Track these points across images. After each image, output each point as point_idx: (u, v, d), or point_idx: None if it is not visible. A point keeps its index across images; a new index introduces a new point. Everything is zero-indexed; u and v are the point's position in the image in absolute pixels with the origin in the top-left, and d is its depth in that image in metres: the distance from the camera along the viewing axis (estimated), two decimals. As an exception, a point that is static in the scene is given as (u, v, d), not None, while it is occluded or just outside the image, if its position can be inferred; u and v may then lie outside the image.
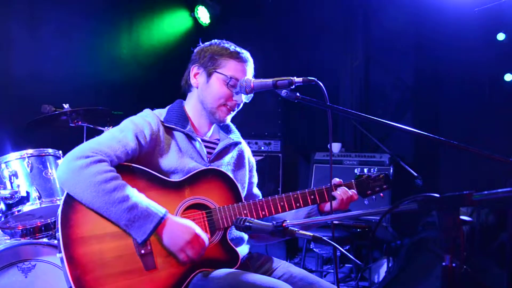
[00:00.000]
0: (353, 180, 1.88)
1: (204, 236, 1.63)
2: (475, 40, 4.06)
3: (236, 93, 1.82)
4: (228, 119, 1.90)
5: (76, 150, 1.61)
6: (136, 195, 1.57)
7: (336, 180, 1.86)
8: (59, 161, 2.63)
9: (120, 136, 1.67)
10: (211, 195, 1.74)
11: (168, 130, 1.80)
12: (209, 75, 1.84)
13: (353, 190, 1.84)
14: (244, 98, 1.84)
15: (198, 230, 1.62)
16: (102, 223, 1.56)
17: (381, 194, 1.89)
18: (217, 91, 1.82)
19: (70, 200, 1.56)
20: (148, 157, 1.73)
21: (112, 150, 1.62)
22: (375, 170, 1.90)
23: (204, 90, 1.85)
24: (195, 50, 1.92)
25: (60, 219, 1.53)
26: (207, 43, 1.92)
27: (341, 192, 1.80)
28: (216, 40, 1.91)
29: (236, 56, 1.83)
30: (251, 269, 1.79)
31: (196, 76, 1.88)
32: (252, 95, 1.86)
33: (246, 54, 1.88)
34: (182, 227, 1.59)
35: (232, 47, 1.86)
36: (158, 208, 1.58)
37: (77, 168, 1.54)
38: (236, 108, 1.88)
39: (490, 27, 3.90)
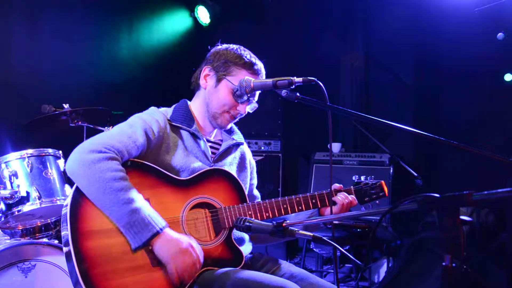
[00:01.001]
0: (352, 187, 1.91)
1: (198, 262, 1.57)
2: (475, 40, 4.05)
3: (241, 103, 1.82)
4: (229, 126, 1.92)
5: (89, 143, 1.60)
6: (140, 200, 1.55)
7: (336, 185, 1.89)
8: (59, 161, 2.63)
9: (130, 131, 1.68)
10: (217, 195, 1.76)
11: (174, 128, 1.81)
12: (218, 80, 1.84)
13: (352, 196, 1.87)
14: (248, 109, 1.85)
15: (193, 256, 1.56)
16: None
17: (377, 202, 1.92)
18: (223, 98, 1.82)
19: (79, 194, 1.56)
20: (155, 154, 1.74)
21: (123, 146, 1.63)
22: (372, 177, 1.94)
23: (211, 94, 1.85)
24: (211, 51, 1.91)
25: (69, 212, 1.52)
26: (224, 45, 1.90)
27: (341, 198, 1.84)
28: (233, 46, 1.89)
29: (249, 67, 1.83)
30: (252, 269, 1.79)
31: (206, 77, 1.88)
32: (256, 106, 1.87)
33: (259, 66, 1.87)
34: (177, 248, 1.54)
35: (248, 56, 1.85)
36: (158, 220, 1.55)
37: (88, 162, 1.54)
38: (238, 117, 1.89)
39: (490, 27, 3.90)
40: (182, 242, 1.55)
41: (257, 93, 1.87)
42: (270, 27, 4.93)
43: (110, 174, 1.53)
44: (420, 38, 4.58)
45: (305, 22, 4.97)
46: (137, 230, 1.51)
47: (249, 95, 1.79)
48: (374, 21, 4.90)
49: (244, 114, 1.88)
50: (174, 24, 4.80)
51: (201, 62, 1.92)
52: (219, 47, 1.91)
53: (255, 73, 1.84)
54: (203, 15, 4.91)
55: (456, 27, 4.09)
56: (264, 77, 1.88)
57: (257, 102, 1.89)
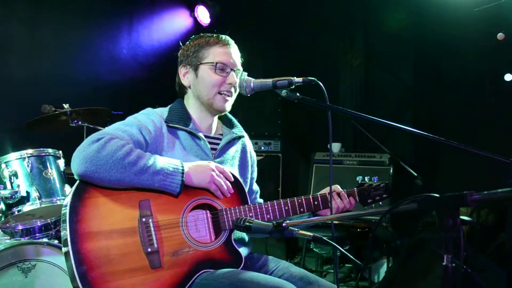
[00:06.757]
0: (355, 188, 1.90)
1: (224, 170, 1.72)
2: (475, 40, 4.05)
3: (226, 76, 1.82)
4: (228, 107, 1.89)
5: (84, 141, 1.60)
6: (153, 157, 1.62)
7: (338, 188, 1.89)
8: (59, 161, 2.63)
9: (125, 128, 1.69)
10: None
11: (171, 129, 1.81)
12: (196, 69, 1.85)
13: (352, 198, 1.88)
14: (236, 77, 1.84)
15: (219, 168, 1.72)
16: (110, 219, 1.56)
17: (380, 203, 1.92)
18: (208, 81, 1.83)
19: (79, 195, 1.56)
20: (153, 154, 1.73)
21: (119, 135, 1.63)
22: (376, 178, 1.93)
23: (197, 85, 1.86)
24: (179, 53, 1.94)
25: (68, 213, 1.52)
26: (187, 42, 1.93)
27: (342, 200, 1.86)
28: (194, 36, 1.93)
29: (216, 42, 1.85)
30: (252, 269, 1.79)
31: (185, 75, 1.89)
32: (246, 73, 1.85)
33: (226, 37, 1.88)
34: (202, 169, 1.68)
35: (209, 35, 1.88)
36: (174, 162, 1.65)
37: (94, 153, 1.54)
38: (232, 92, 1.87)
39: (490, 27, 3.89)
40: (202, 164, 1.70)
41: (239, 61, 1.89)
42: (270, 27, 4.93)
43: (121, 152, 1.55)
44: (420, 38, 4.58)
45: (305, 22, 4.97)
46: (170, 180, 1.60)
47: (234, 68, 1.83)
48: (374, 21, 4.90)
49: (236, 86, 1.85)
50: (174, 24, 4.80)
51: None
52: (182, 46, 1.95)
53: (224, 44, 1.86)
54: (203, 15, 4.91)
55: (455, 27, 4.09)
56: (235, 46, 1.90)
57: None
